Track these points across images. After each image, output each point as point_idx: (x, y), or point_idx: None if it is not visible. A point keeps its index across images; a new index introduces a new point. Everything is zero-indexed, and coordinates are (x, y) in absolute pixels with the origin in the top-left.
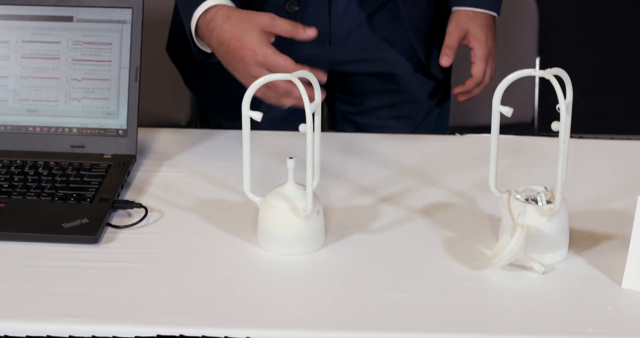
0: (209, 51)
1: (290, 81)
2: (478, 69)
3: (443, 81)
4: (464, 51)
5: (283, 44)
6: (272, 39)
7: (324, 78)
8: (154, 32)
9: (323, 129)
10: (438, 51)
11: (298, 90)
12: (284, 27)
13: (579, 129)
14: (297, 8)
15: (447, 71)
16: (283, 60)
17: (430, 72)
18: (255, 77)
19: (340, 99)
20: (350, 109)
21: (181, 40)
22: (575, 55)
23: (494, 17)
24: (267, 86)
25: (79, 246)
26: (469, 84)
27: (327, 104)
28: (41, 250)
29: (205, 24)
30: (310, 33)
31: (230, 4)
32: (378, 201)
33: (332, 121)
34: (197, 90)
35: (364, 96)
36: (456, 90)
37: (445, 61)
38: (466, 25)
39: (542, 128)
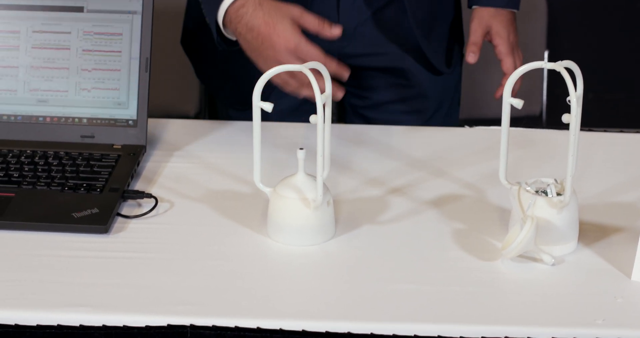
0: (233, 38)
1: (315, 72)
2: (507, 65)
3: (451, 74)
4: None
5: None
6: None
7: (346, 75)
8: (164, 23)
9: (332, 121)
10: (443, 46)
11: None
12: (312, 21)
13: (587, 122)
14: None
15: (455, 65)
16: (315, 50)
17: (435, 68)
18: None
19: (350, 93)
20: (360, 103)
21: (195, 32)
22: (583, 48)
23: (514, 13)
24: (291, 74)
25: (89, 236)
26: (505, 81)
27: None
28: (51, 239)
29: (235, 11)
30: (335, 32)
31: None
32: (388, 192)
33: (342, 115)
34: (207, 81)
35: (374, 90)
36: (498, 94)
37: (471, 58)
38: (489, 23)
39: (550, 121)
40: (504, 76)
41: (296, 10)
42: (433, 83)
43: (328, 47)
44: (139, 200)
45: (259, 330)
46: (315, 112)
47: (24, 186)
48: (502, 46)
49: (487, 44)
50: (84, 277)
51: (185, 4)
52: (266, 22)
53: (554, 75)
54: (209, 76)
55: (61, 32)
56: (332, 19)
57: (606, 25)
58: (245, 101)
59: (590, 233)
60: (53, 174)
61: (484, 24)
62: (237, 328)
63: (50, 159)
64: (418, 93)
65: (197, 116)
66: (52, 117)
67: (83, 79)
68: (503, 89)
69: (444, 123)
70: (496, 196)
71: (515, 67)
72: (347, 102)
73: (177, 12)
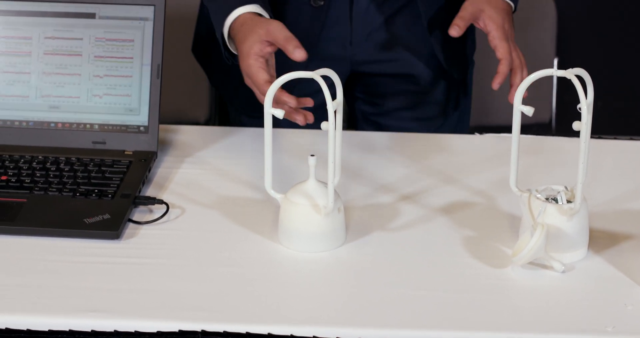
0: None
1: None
2: (502, 50)
3: (463, 82)
4: (481, 55)
5: (307, 44)
6: (269, 49)
7: (310, 104)
8: (176, 29)
9: (343, 128)
10: (457, 53)
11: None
12: (277, 37)
13: (597, 130)
14: (322, 3)
15: (466, 71)
16: (263, 75)
17: (449, 74)
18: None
19: (361, 100)
20: (371, 110)
21: (206, 40)
22: (593, 56)
23: (511, 6)
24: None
25: (100, 241)
26: (502, 68)
27: (347, 104)
28: (63, 245)
29: (236, 26)
30: (297, 55)
31: (260, 10)
32: (398, 199)
33: (353, 122)
34: (222, 88)
35: (385, 97)
36: (495, 83)
37: (454, 30)
38: (481, 6)
39: (560, 128)
40: (500, 62)
41: (271, 26)
42: (444, 90)
43: (340, 54)
44: (150, 206)
45: (269, 336)
46: (326, 118)
47: (36, 192)
48: (495, 31)
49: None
50: (95, 283)
51: (198, 10)
52: (240, 41)
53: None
54: (223, 83)
55: (73, 39)
56: (345, 26)
57: (616, 32)
58: (258, 108)
59: (601, 240)
60: (65, 180)
61: (476, 6)
62: (248, 335)
63: (61, 165)
64: (429, 100)
65: (208, 123)
66: (63, 123)
67: (95, 85)
68: (499, 79)
69: (455, 130)
70: (507, 203)
71: (514, 56)
72: (358, 109)
73: (188, 19)
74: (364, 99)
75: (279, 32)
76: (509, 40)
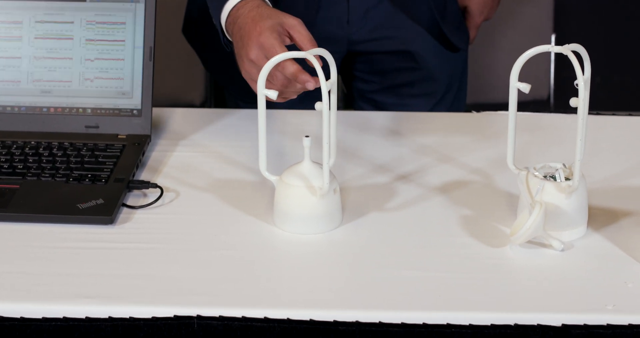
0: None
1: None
2: (471, 37)
3: (460, 58)
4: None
5: (310, 4)
6: (286, 40)
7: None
8: (168, 10)
9: (338, 108)
10: (457, 23)
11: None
12: (303, 38)
13: (595, 106)
14: None
15: (462, 46)
16: (281, 49)
17: (453, 44)
18: (253, 62)
19: (359, 78)
20: (369, 87)
21: (198, 22)
22: (590, 32)
23: None
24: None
25: (94, 227)
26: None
27: (344, 83)
28: (56, 231)
29: (234, 12)
30: (307, 83)
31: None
32: (394, 179)
33: (350, 101)
34: (216, 72)
35: (383, 74)
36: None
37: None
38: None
39: (558, 105)
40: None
41: (292, 20)
42: (441, 65)
43: (337, 34)
44: (144, 190)
45: (266, 319)
46: (320, 99)
47: (29, 178)
48: (468, 21)
49: (488, 29)
50: (89, 268)
51: None
52: (253, 19)
53: (561, 59)
54: (218, 68)
55: (64, 22)
56: (342, 4)
57: (614, 7)
58: (254, 94)
59: (600, 217)
60: (57, 165)
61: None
62: (244, 319)
63: (54, 150)
64: (427, 76)
65: (203, 105)
66: (56, 108)
67: (86, 69)
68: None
69: (452, 105)
70: (504, 182)
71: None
72: (355, 87)
73: (180, 0)
74: (362, 77)
75: (304, 31)
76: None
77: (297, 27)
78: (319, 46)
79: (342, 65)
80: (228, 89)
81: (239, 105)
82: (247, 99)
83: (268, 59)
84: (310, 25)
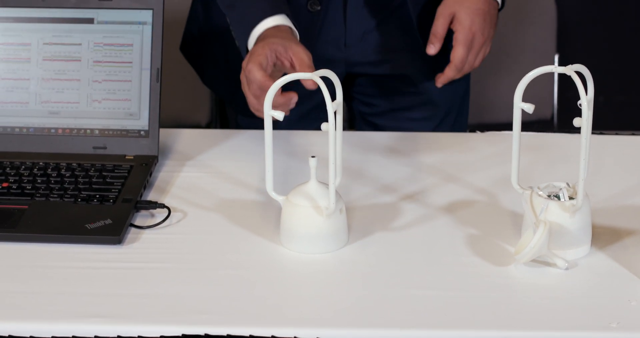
0: None
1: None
2: (457, 54)
3: (459, 81)
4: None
5: (312, 27)
6: (286, 63)
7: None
8: (174, 32)
9: (343, 128)
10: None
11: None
12: (300, 61)
13: (599, 125)
14: (318, 8)
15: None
16: (260, 77)
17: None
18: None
19: (358, 100)
20: (368, 110)
21: (198, 39)
22: (593, 52)
23: (491, 4)
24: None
25: (102, 247)
26: (448, 72)
27: (346, 104)
28: (65, 251)
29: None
30: (308, 83)
31: (286, 21)
32: (400, 199)
33: (352, 122)
34: (216, 87)
35: (381, 97)
36: (438, 78)
37: (430, 49)
38: (453, 9)
39: (561, 124)
40: (449, 64)
41: (297, 47)
42: (441, 90)
43: (335, 56)
44: (151, 210)
45: None
46: (323, 119)
47: (37, 198)
48: (459, 33)
49: (492, 50)
50: (98, 288)
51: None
52: (257, 44)
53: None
54: (216, 83)
55: (72, 44)
56: (340, 28)
57: (616, 27)
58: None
59: (603, 236)
60: (66, 185)
61: (448, 11)
62: (251, 337)
63: (62, 171)
64: (426, 100)
65: (209, 126)
66: (63, 129)
67: (94, 90)
68: (441, 78)
69: (452, 130)
70: (508, 201)
71: (465, 64)
72: (355, 109)
73: (183, 21)
74: (362, 100)
75: (303, 54)
76: (471, 44)
77: (299, 54)
78: (319, 67)
79: (342, 87)
80: (227, 103)
81: (238, 120)
82: (247, 113)
83: (250, 85)
84: (310, 47)
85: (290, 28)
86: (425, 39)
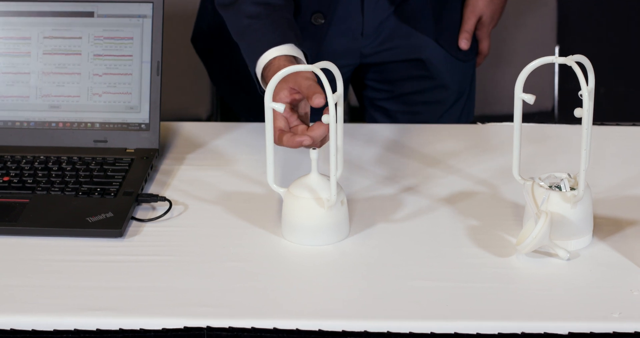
0: None
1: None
2: (485, 47)
3: (468, 64)
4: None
5: (315, 38)
6: (296, 96)
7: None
8: (175, 26)
9: (344, 120)
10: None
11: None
12: (302, 87)
13: (599, 116)
14: (322, 21)
15: (470, 55)
16: (277, 123)
17: (462, 53)
18: None
19: (370, 87)
20: (380, 95)
21: (207, 35)
22: (594, 43)
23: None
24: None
25: (104, 240)
26: (480, 60)
27: (355, 93)
28: (66, 244)
29: (267, 66)
30: (316, 101)
31: (294, 51)
32: (401, 190)
33: (361, 111)
34: (221, 85)
35: (394, 82)
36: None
37: (464, 44)
38: (482, 11)
39: (562, 115)
40: (479, 55)
41: (305, 82)
42: (452, 74)
43: (350, 47)
44: (153, 203)
45: (275, 330)
46: (323, 112)
47: (38, 192)
48: (481, 30)
49: (492, 41)
50: (99, 281)
51: (198, 5)
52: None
53: (565, 70)
54: (222, 81)
55: (72, 38)
56: (357, 19)
57: (617, 18)
58: (256, 113)
59: (605, 226)
60: (67, 179)
61: (477, 12)
62: (253, 329)
63: (63, 165)
64: (438, 84)
65: (210, 119)
66: (64, 123)
67: (94, 83)
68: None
69: (462, 114)
70: (510, 192)
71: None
72: (366, 96)
73: (188, 15)
74: (373, 86)
75: (304, 82)
76: (489, 35)
77: (311, 88)
78: (332, 59)
79: (354, 75)
80: (231, 105)
81: (240, 120)
82: (252, 113)
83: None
84: (323, 39)
85: (295, 57)
86: (438, 21)
